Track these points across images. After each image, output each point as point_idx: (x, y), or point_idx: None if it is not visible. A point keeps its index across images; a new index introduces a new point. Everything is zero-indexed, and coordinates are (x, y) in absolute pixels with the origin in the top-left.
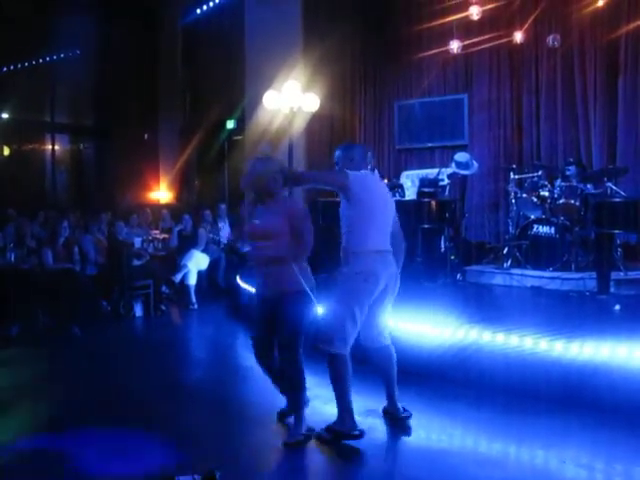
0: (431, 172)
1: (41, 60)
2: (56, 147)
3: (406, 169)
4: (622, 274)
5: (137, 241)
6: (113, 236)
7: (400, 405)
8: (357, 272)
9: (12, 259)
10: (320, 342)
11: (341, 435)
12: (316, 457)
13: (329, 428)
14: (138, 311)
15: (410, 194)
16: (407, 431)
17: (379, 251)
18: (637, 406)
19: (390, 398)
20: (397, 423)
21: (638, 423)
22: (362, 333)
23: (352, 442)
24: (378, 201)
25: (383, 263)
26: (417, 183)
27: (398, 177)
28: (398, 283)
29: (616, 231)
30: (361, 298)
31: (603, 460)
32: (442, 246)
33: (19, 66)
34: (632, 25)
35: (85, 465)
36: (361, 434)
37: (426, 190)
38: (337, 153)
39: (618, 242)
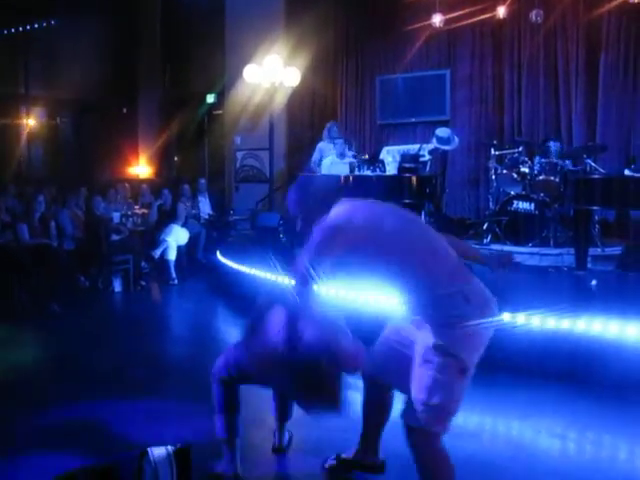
0: (412, 147)
1: (14, 30)
2: (31, 120)
3: (387, 144)
4: (599, 250)
5: (116, 216)
6: (91, 211)
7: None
8: None
9: None
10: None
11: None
12: (298, 432)
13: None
14: (117, 286)
15: (391, 169)
16: None
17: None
18: (611, 377)
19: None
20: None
21: (612, 394)
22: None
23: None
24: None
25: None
26: (398, 158)
27: (379, 152)
28: None
29: (594, 207)
30: None
31: (577, 430)
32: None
33: None
34: (614, 3)
35: (66, 438)
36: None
37: (407, 165)
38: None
39: (596, 219)
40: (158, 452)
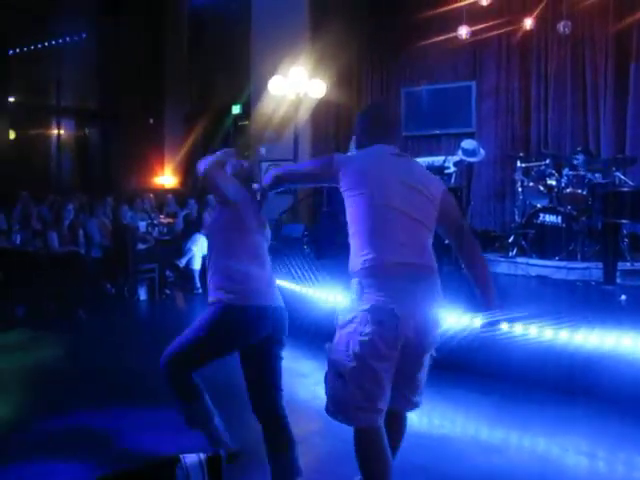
0: (437, 159)
1: (47, 43)
2: (62, 131)
3: (412, 156)
4: (629, 264)
5: (142, 225)
6: (118, 220)
7: None
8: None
9: (17, 241)
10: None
11: None
12: (321, 442)
13: None
14: (142, 295)
15: None
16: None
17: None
18: None
19: None
20: None
21: None
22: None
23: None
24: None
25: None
26: None
27: None
28: None
29: (623, 221)
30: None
31: (606, 449)
32: None
33: (25, 49)
34: None
35: (92, 444)
36: None
37: None
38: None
39: (625, 232)
40: (190, 459)
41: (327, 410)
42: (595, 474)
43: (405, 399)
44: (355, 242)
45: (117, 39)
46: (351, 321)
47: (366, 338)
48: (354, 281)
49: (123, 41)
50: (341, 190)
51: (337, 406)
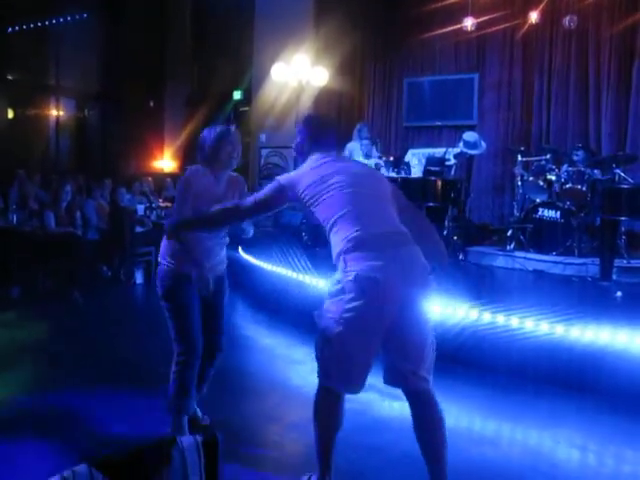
0: (438, 151)
1: (47, 22)
2: (61, 111)
3: (413, 147)
4: (625, 262)
5: (140, 208)
6: (115, 202)
7: None
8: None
9: (14, 220)
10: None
11: None
12: (310, 426)
13: None
14: (139, 278)
15: (416, 172)
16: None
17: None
18: (636, 391)
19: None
20: None
21: (637, 408)
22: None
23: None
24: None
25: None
26: (423, 161)
27: (404, 154)
28: None
29: (622, 218)
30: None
31: (597, 442)
32: (445, 225)
33: (25, 27)
34: None
35: (85, 424)
36: None
37: (432, 169)
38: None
39: (622, 229)
40: (187, 441)
41: (318, 375)
42: (586, 467)
43: (413, 375)
44: (334, 233)
45: (119, 20)
46: (339, 291)
47: (351, 305)
48: (338, 261)
49: (125, 23)
50: (305, 203)
51: (322, 369)
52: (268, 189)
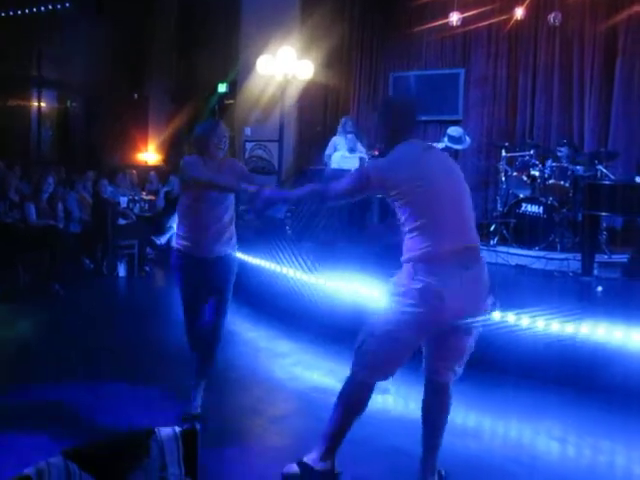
0: None
1: (28, 10)
2: (42, 103)
3: None
4: (606, 257)
5: (123, 201)
6: (98, 194)
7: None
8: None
9: None
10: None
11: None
12: (298, 421)
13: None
14: (121, 271)
15: None
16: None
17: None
18: (613, 383)
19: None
20: None
21: (615, 400)
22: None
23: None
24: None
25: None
26: None
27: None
28: None
29: (603, 214)
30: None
31: (576, 434)
32: None
33: (3, 15)
34: (633, 9)
35: (68, 417)
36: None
37: None
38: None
39: (604, 225)
40: (165, 432)
41: (356, 369)
42: (565, 458)
43: (452, 371)
44: (411, 237)
45: (102, 11)
46: (400, 294)
47: (411, 309)
48: (407, 265)
49: (109, 13)
50: (389, 195)
51: (365, 363)
52: (355, 178)
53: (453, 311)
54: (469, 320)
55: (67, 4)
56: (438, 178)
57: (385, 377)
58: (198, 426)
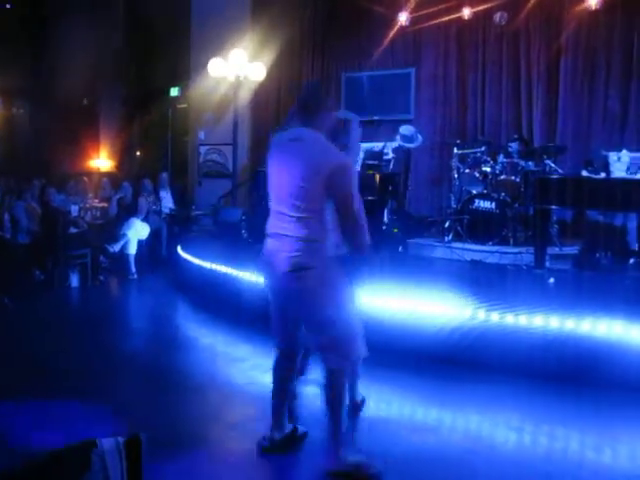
0: (377, 145)
1: None
2: None
3: None
4: (557, 249)
5: (74, 209)
6: (47, 203)
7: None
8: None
9: None
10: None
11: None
12: (257, 427)
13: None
14: (74, 281)
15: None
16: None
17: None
18: (567, 372)
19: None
20: None
21: (568, 388)
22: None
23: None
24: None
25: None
26: (362, 156)
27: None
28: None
29: (552, 207)
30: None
31: (533, 422)
32: (385, 219)
33: None
34: (576, 9)
35: (12, 433)
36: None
37: (370, 163)
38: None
39: (554, 218)
40: (107, 443)
41: (349, 359)
42: (522, 447)
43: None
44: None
45: (46, 13)
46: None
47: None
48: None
49: (53, 16)
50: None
51: (356, 346)
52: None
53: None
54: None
55: (7, 4)
56: (279, 167)
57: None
58: (143, 436)
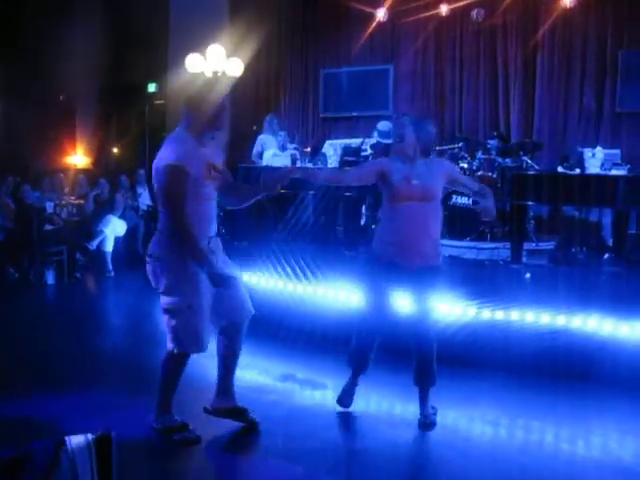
0: (355, 141)
1: None
2: None
3: (330, 138)
4: (534, 245)
5: (49, 205)
6: (21, 200)
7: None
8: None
9: None
10: None
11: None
12: (225, 422)
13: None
14: (50, 279)
15: (332, 162)
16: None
17: None
18: (544, 365)
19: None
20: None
21: (544, 381)
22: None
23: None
24: None
25: None
26: (340, 152)
27: (321, 145)
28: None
29: (528, 203)
30: None
31: (508, 416)
32: (363, 214)
33: None
34: (552, 6)
35: None
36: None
37: (348, 159)
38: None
39: (531, 214)
40: (76, 440)
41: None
42: (498, 440)
43: None
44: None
45: (21, 7)
46: None
47: None
48: None
49: (25, 8)
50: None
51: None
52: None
53: None
54: None
55: None
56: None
57: None
58: (113, 433)
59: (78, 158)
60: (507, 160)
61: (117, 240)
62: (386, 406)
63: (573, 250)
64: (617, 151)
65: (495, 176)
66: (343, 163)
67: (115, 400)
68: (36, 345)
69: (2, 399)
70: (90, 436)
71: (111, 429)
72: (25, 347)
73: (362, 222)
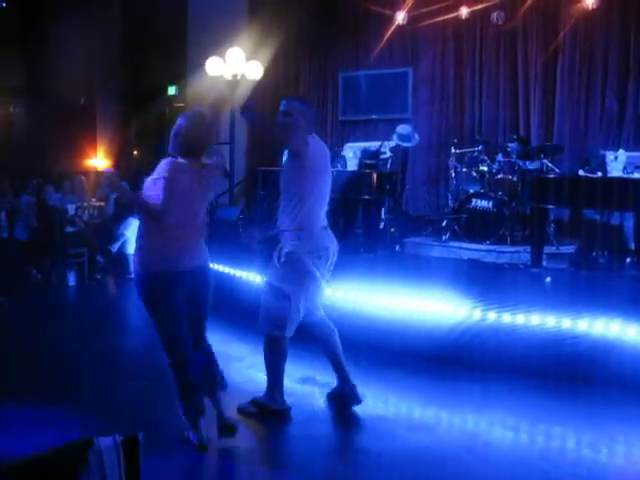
0: (374, 145)
1: None
2: None
3: (349, 141)
4: (554, 248)
5: (71, 208)
6: (43, 202)
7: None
8: (309, 250)
9: None
10: (269, 325)
11: (267, 410)
12: (254, 423)
13: (255, 402)
14: (71, 280)
15: (352, 165)
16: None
17: (325, 227)
18: (563, 371)
19: (340, 378)
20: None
21: (563, 387)
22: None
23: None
24: (328, 172)
25: (330, 238)
26: (359, 155)
27: (341, 149)
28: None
29: (549, 206)
30: (314, 276)
31: (528, 422)
32: (382, 218)
33: None
34: (573, 8)
35: (7, 434)
36: (287, 411)
37: (367, 162)
38: (295, 104)
39: (551, 218)
40: (105, 441)
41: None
42: (519, 445)
43: None
44: (307, 206)
45: (43, 11)
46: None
47: None
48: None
49: (50, 14)
50: (302, 163)
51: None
52: None
53: None
54: None
55: (3, 3)
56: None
57: None
58: (140, 434)
59: (99, 160)
60: (527, 163)
61: None
62: (405, 409)
63: (594, 254)
64: None
65: (515, 179)
66: (362, 166)
67: (135, 400)
68: (58, 345)
69: (25, 399)
70: (118, 437)
71: (138, 430)
72: (46, 347)
73: (381, 225)
